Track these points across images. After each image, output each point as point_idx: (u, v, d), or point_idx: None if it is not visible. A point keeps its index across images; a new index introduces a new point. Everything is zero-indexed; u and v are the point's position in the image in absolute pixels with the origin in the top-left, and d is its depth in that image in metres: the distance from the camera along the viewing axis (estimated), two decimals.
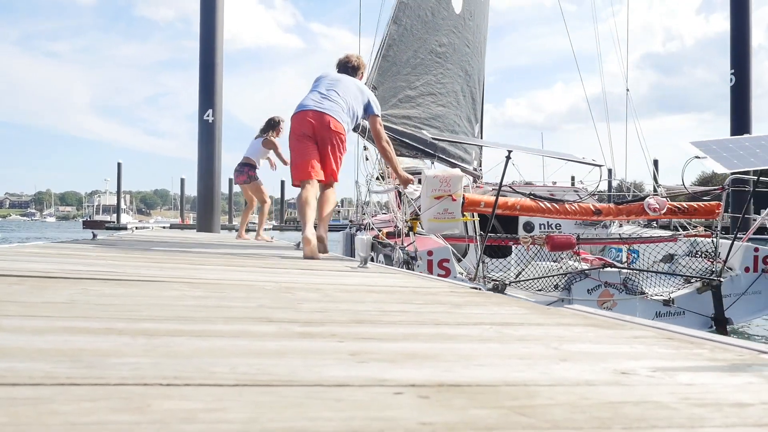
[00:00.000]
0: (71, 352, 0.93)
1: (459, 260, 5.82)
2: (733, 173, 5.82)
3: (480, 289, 2.34)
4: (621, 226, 7.31)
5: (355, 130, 4.81)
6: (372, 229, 6.88)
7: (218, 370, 0.85)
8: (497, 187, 5.80)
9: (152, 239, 6.66)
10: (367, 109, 4.68)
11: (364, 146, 7.10)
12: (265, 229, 8.25)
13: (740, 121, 18.36)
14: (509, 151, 5.45)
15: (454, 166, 7.72)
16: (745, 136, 6.16)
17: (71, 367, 0.83)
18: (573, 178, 8.90)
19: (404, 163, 7.16)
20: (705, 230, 6.43)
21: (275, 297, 1.84)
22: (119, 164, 46.46)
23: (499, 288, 5.09)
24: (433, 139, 7.04)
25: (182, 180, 57.16)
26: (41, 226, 71.68)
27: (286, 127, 6.90)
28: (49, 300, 1.51)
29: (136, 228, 18.65)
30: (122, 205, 50.94)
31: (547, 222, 6.95)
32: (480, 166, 9.07)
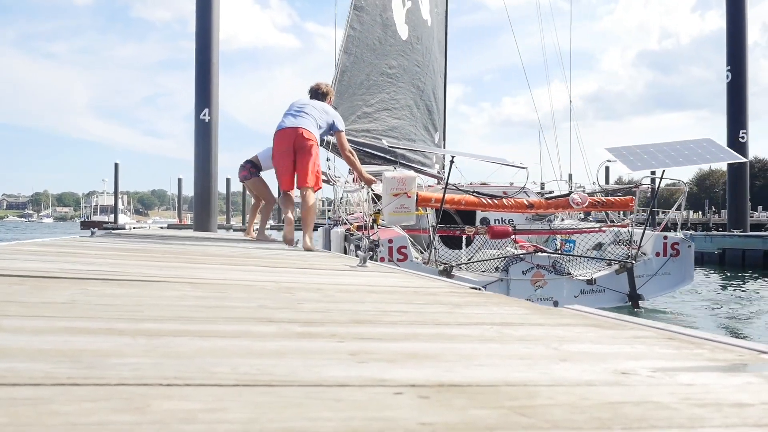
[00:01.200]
0: (72, 353, 0.93)
1: (424, 250, 6.84)
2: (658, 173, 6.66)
3: (480, 289, 2.34)
4: (563, 220, 8.44)
5: (321, 143, 5.76)
6: (345, 223, 7.98)
7: (219, 371, 0.85)
8: (461, 188, 7.27)
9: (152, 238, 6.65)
10: (332, 127, 5.59)
11: (327, 158, 8.25)
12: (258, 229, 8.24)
13: (736, 118, 18.25)
14: (452, 157, 6.88)
15: (417, 170, 9.02)
16: (651, 142, 7.20)
17: (72, 367, 0.83)
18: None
19: (370, 167, 8.31)
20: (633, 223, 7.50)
21: (276, 297, 1.84)
22: (116, 165, 46.34)
23: (448, 270, 6.14)
24: (390, 146, 8.12)
25: (179, 180, 56.99)
26: (38, 227, 71.59)
27: None
28: (49, 300, 1.51)
29: (134, 228, 18.61)
30: (120, 206, 50.78)
31: (501, 217, 8.03)
32: (443, 168, 10.32)
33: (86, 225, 41.81)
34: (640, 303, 6.80)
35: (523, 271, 6.53)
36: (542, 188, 10.07)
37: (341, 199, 9.38)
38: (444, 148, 10.55)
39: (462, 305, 1.84)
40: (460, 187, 7.54)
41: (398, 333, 1.29)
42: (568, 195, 7.13)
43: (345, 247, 7.62)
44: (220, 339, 1.12)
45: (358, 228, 7.13)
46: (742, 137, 18.07)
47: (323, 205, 9.99)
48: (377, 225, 6.82)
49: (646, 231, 6.93)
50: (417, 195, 6.68)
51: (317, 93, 5.82)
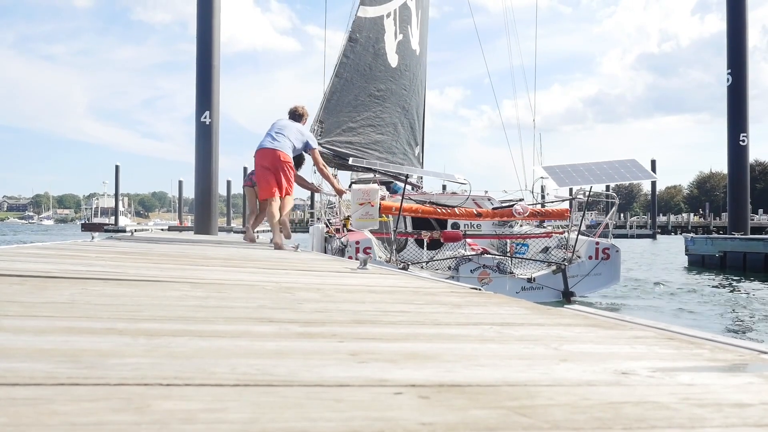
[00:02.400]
0: (72, 353, 0.93)
1: (401, 250, 7.98)
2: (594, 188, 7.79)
3: (480, 289, 2.34)
4: (522, 226, 9.43)
5: (298, 157, 6.79)
6: (327, 225, 9.33)
7: (219, 371, 0.85)
8: (412, 197, 8.57)
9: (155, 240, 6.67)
10: (307, 145, 6.56)
11: (314, 170, 9.05)
12: (262, 231, 8.46)
13: (737, 121, 18.19)
14: (407, 175, 8.73)
15: (396, 178, 10.39)
16: (581, 162, 8.30)
17: (72, 367, 0.83)
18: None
19: (341, 175, 9.99)
20: (584, 230, 8.32)
21: (275, 297, 1.84)
22: (117, 167, 46.41)
23: (405, 268, 6.90)
24: (352, 164, 9.09)
25: (180, 182, 57.01)
26: (39, 230, 71.58)
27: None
28: (49, 300, 1.51)
29: (135, 231, 18.60)
30: (120, 208, 50.80)
31: (470, 223, 8.97)
32: (421, 178, 11.74)
33: (87, 227, 41.81)
34: (572, 299, 7.59)
35: (471, 270, 7.41)
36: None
37: (325, 204, 10.66)
38: (423, 159, 11.90)
39: (462, 305, 1.84)
40: (411, 197, 8.82)
41: (398, 333, 1.28)
42: (512, 205, 8.24)
43: (325, 246, 8.92)
44: (220, 339, 1.12)
45: (336, 230, 8.28)
46: (743, 140, 18.07)
47: (325, 207, 10.92)
48: (347, 229, 7.90)
49: (579, 237, 7.89)
50: (380, 204, 7.78)
51: (294, 115, 6.79)
